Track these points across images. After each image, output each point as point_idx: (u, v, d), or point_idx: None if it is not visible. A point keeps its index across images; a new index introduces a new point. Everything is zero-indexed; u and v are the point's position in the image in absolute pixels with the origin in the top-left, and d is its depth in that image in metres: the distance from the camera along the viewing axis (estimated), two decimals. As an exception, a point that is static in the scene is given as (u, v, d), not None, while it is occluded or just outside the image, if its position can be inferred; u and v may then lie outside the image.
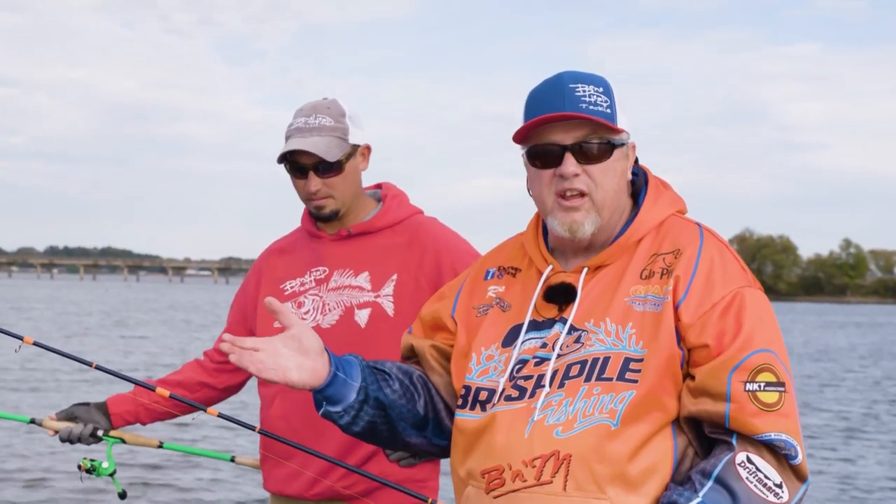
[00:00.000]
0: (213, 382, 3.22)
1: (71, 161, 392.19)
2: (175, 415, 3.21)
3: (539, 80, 2.22)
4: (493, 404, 2.13)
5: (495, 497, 2.08)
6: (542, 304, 2.19)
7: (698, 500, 1.95)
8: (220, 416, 2.66)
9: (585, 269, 2.17)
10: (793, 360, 28.19)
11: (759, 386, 2.01)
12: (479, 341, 2.23)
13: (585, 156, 2.12)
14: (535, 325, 2.18)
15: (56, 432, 3.13)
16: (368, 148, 3.12)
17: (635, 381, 2.04)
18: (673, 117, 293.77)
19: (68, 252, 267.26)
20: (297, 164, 3.01)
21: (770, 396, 2.01)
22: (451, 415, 2.28)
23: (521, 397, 2.11)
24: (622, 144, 2.16)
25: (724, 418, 2.01)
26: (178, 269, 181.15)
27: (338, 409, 2.16)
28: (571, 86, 2.12)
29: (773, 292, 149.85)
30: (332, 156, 2.97)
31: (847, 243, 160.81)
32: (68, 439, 3.12)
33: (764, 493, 1.97)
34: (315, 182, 3.00)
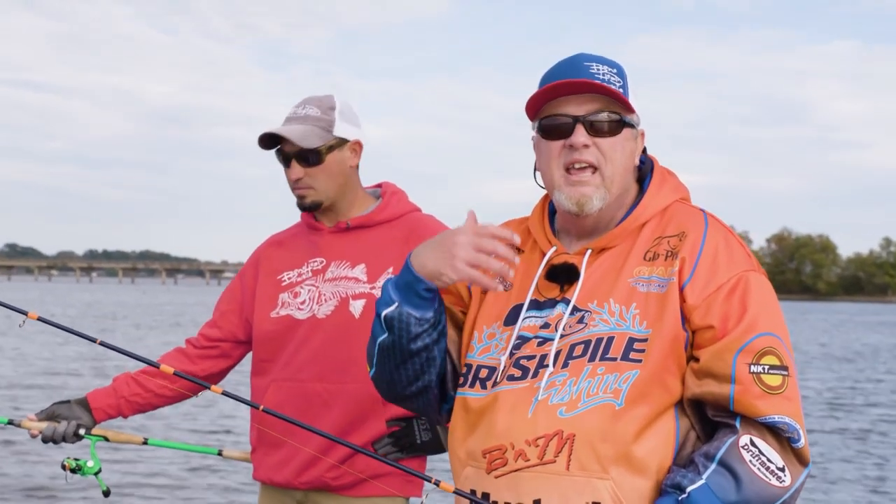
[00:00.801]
0: (195, 371, 3.19)
1: (110, 165, 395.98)
2: (158, 406, 3.21)
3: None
4: (495, 383, 2.13)
5: (497, 477, 2.07)
6: (544, 283, 2.20)
7: (702, 482, 1.96)
8: (225, 393, 2.66)
9: (589, 251, 2.18)
10: (833, 362, 27.92)
11: (764, 368, 2.01)
12: (482, 319, 2.24)
13: (596, 129, 2.13)
14: (536, 305, 2.19)
15: (39, 432, 3.10)
16: (359, 144, 3.14)
17: (639, 361, 2.05)
18: (711, 116, 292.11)
19: (107, 255, 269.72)
20: (283, 151, 3.07)
21: (774, 379, 2.02)
22: (454, 384, 2.26)
23: (523, 377, 2.11)
24: (633, 126, 2.18)
25: (729, 400, 2.01)
26: (216, 271, 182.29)
27: (417, 314, 2.13)
28: (586, 63, 2.15)
29: (812, 292, 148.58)
30: (307, 142, 3.01)
31: (887, 242, 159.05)
32: (52, 438, 3.08)
33: (767, 477, 1.97)
34: (297, 170, 3.05)
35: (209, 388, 2.71)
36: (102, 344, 2.81)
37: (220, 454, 3.26)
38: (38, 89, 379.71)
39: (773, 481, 1.98)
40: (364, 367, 2.89)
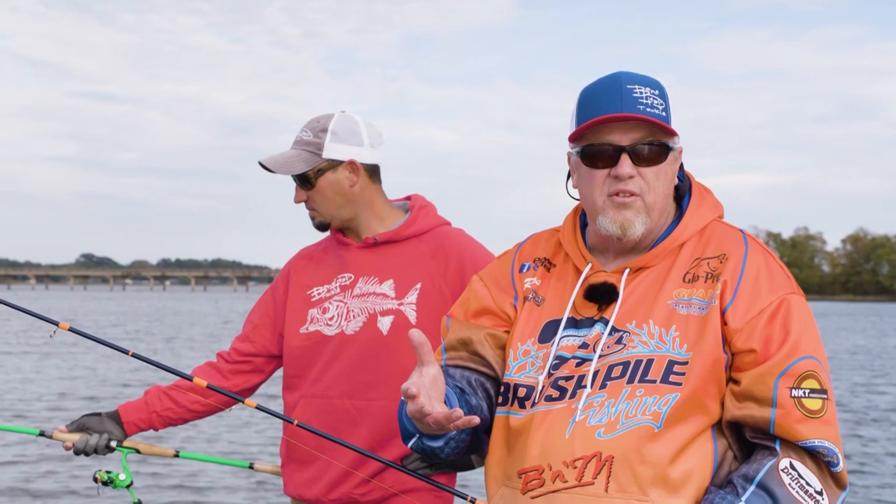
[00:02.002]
0: (228, 386, 3.18)
1: (182, 175, 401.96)
2: (189, 420, 3.20)
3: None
4: (533, 403, 2.13)
5: (533, 497, 2.07)
6: (582, 302, 2.18)
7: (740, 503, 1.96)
8: (259, 407, 2.64)
9: (627, 270, 2.16)
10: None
11: (804, 392, 2.01)
12: (516, 336, 2.22)
13: (641, 158, 2.11)
14: (573, 323, 2.17)
15: (72, 444, 3.09)
16: (353, 163, 3.06)
17: (679, 384, 2.04)
18: (783, 116, 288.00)
19: (180, 264, 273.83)
20: (292, 178, 3.10)
21: (814, 403, 2.02)
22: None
23: (561, 398, 2.10)
24: (674, 148, 2.16)
25: (770, 423, 2.01)
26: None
27: (439, 443, 2.12)
28: (629, 86, 2.12)
29: (889, 293, 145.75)
30: (287, 169, 3.04)
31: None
32: (84, 451, 3.08)
33: (805, 500, 1.97)
34: (299, 194, 3.09)
35: (243, 402, 2.71)
36: (135, 356, 2.80)
37: (251, 468, 3.26)
38: (112, 100, 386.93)
39: None
40: (392, 384, 2.95)
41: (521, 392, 2.15)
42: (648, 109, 2.09)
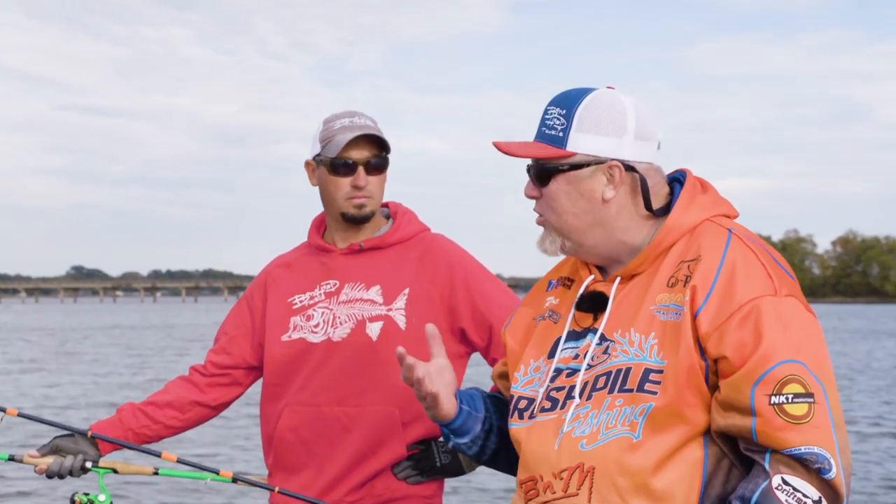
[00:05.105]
0: (206, 400, 3.13)
1: (174, 186, 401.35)
2: (165, 437, 3.14)
3: (637, 91, 2.17)
4: (532, 415, 2.16)
5: None
6: (579, 313, 2.19)
7: None
8: (235, 478, 2.69)
9: (619, 278, 2.14)
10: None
11: (787, 398, 1.94)
12: (528, 353, 2.26)
13: (535, 179, 2.16)
14: (574, 336, 2.18)
15: (46, 467, 2.96)
16: None
17: (655, 393, 2.01)
18: (773, 119, 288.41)
19: (171, 275, 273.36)
20: (347, 160, 2.97)
21: (798, 408, 1.94)
22: None
23: (553, 408, 2.13)
24: (576, 167, 2.12)
25: (751, 433, 1.96)
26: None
27: (465, 440, 2.27)
28: (549, 108, 2.17)
29: (879, 294, 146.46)
30: (387, 148, 3.01)
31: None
32: (58, 473, 2.96)
33: None
34: (363, 177, 2.97)
35: (218, 474, 2.82)
36: (94, 437, 2.93)
37: (234, 482, 3.15)
38: (103, 113, 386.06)
39: None
40: (383, 390, 2.96)
41: (522, 404, 2.20)
42: (547, 132, 2.14)
